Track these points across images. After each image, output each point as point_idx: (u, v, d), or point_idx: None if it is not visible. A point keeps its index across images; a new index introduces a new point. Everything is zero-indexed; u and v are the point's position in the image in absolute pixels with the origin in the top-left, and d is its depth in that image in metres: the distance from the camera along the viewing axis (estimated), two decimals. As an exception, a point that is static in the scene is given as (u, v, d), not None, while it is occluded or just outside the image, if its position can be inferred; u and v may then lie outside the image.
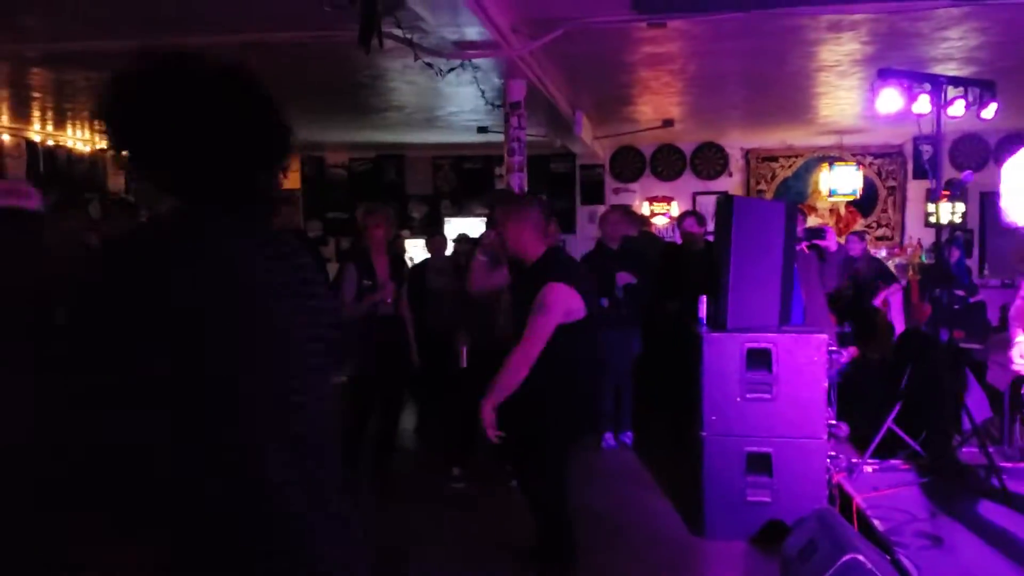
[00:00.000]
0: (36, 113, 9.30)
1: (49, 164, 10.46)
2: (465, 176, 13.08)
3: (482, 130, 10.18)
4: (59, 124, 10.03)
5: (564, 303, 3.70)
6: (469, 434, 5.96)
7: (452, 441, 6.13)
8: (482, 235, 5.30)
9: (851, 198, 11.60)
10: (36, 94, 8.25)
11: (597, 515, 5.19)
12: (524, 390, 3.65)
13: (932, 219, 11.27)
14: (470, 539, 5.06)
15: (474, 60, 5.92)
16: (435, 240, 8.21)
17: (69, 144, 10.78)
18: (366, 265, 5.61)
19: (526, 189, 7.21)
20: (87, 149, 11.08)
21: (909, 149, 11.65)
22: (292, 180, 13.35)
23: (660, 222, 12.16)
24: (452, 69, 5.96)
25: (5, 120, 9.53)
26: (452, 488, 5.94)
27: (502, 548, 4.78)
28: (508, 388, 3.66)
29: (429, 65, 5.78)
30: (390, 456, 6.03)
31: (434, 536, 5.11)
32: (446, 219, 12.71)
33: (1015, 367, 4.90)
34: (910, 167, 11.78)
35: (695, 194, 12.25)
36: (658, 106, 9.24)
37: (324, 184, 13.28)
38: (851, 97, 8.65)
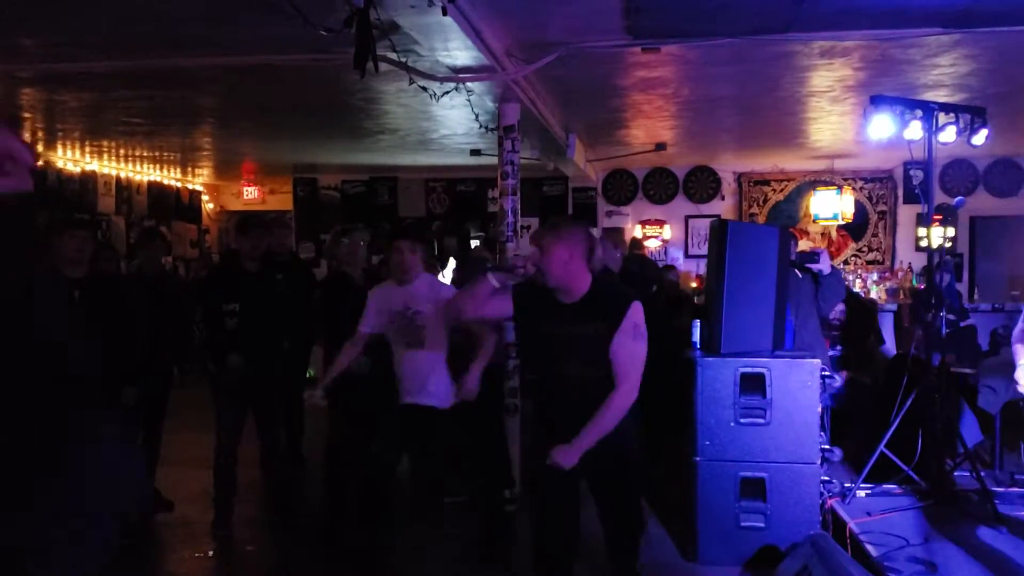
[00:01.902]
0: (26, 133, 9.27)
1: (39, 184, 10.39)
2: (458, 199, 13.10)
3: (475, 153, 10.21)
4: (49, 144, 10.00)
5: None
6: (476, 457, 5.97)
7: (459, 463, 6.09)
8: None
9: (834, 223, 11.64)
10: (27, 114, 8.24)
11: (589, 540, 5.15)
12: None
13: (923, 243, 11.35)
14: (465, 558, 5.04)
15: (468, 83, 5.94)
16: (432, 262, 8.18)
17: (59, 164, 10.75)
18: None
19: (519, 211, 7.22)
20: (77, 170, 11.05)
21: (900, 174, 11.73)
22: (284, 201, 13.36)
23: (653, 245, 12.21)
24: (446, 92, 5.99)
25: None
26: (451, 503, 5.91)
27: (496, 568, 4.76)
28: (607, 430, 3.41)
29: (424, 88, 5.80)
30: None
31: (424, 554, 5.07)
32: (439, 241, 12.70)
33: (1022, 388, 4.96)
34: (900, 192, 11.85)
35: (687, 217, 12.30)
36: (651, 130, 9.28)
37: (317, 206, 13.28)
38: (843, 122, 8.71)
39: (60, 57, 6.01)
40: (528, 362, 3.74)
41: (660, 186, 12.41)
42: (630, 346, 3.39)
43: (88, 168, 11.23)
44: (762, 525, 4.78)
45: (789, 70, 6.59)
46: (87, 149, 10.46)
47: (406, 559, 5.04)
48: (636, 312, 3.41)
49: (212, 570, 5.21)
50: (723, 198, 12.33)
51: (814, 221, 11.69)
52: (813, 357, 4.95)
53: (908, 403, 5.17)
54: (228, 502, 5.56)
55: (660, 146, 10.17)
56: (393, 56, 5.11)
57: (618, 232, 11.79)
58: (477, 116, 7.02)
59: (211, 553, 5.36)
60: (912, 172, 11.00)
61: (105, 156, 11.00)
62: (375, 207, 13.09)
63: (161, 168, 12.37)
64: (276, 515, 5.76)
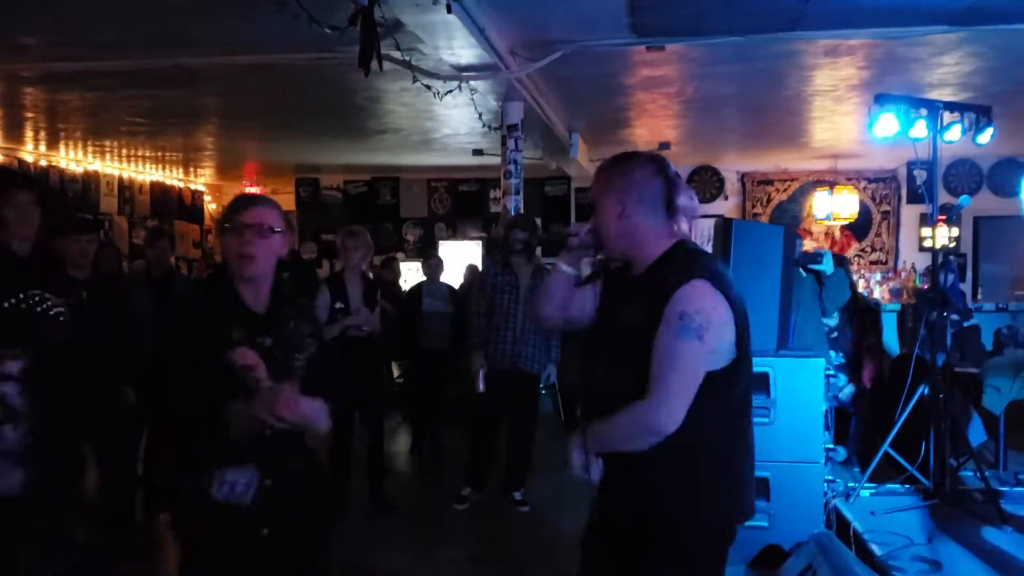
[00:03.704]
0: (29, 133, 9.28)
1: (42, 184, 10.41)
2: (460, 199, 13.09)
3: (478, 152, 10.21)
4: (52, 144, 10.01)
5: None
6: (486, 457, 5.98)
7: (468, 462, 6.09)
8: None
9: (825, 224, 11.60)
10: (30, 114, 8.24)
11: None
12: None
13: (927, 243, 11.32)
14: (470, 559, 5.04)
15: (472, 82, 5.94)
16: (431, 263, 8.19)
17: (62, 164, 10.75)
18: (339, 288, 5.63)
19: (522, 211, 7.22)
20: (80, 170, 11.06)
21: (903, 174, 11.70)
22: (286, 202, 13.35)
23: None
24: (450, 91, 5.98)
25: (-1, 139, 9.52)
26: (456, 507, 5.91)
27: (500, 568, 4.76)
28: (614, 446, 2.43)
29: (427, 87, 5.80)
30: (383, 476, 6.01)
31: (430, 554, 5.07)
32: (440, 242, 12.70)
33: None
34: (904, 192, 11.83)
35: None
36: (654, 129, 9.27)
37: (319, 206, 13.28)
38: (847, 122, 8.69)
39: (63, 56, 6.02)
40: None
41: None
42: (666, 343, 2.27)
43: (91, 168, 11.23)
44: (766, 524, 4.74)
45: (794, 69, 6.58)
46: (89, 149, 10.47)
47: (412, 558, 5.03)
48: (686, 297, 2.28)
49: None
50: (726, 198, 12.31)
51: (817, 221, 11.66)
52: (818, 356, 4.93)
53: (912, 403, 5.16)
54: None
55: (664, 145, 10.14)
56: (397, 55, 5.11)
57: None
58: (480, 115, 7.02)
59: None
60: (916, 172, 10.99)
61: (108, 156, 11.01)
62: (377, 207, 13.09)
63: (163, 168, 12.38)
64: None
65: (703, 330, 2.26)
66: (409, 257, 11.91)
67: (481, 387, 5.90)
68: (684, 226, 2.45)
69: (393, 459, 7.10)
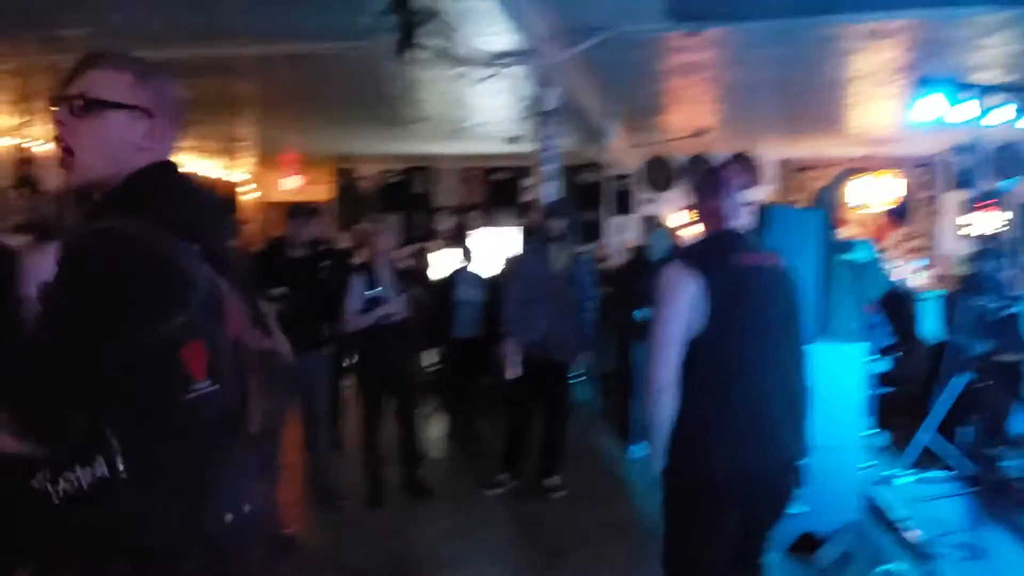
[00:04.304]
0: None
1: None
2: (493, 187, 13.10)
3: (512, 140, 10.19)
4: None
5: None
6: (521, 443, 6.01)
7: (504, 448, 6.12)
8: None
9: (877, 209, 11.49)
10: (74, 105, 8.35)
11: (625, 526, 5.17)
12: None
13: (968, 230, 11.15)
14: (503, 543, 5.07)
15: (507, 69, 5.94)
16: (467, 251, 8.20)
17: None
18: (370, 276, 5.67)
19: (558, 199, 7.22)
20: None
21: (944, 159, 11.53)
22: (326, 191, 13.44)
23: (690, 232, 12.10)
24: (486, 78, 5.99)
25: (38, 131, 9.66)
26: (490, 492, 5.94)
27: (533, 552, 4.78)
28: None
29: (463, 75, 5.81)
30: (418, 463, 6.05)
31: (464, 538, 5.11)
32: (474, 230, 12.72)
33: None
34: (945, 177, 11.66)
35: (727, 204, 12.17)
36: (691, 115, 9.22)
37: (354, 196, 13.36)
38: (887, 106, 8.58)
39: (102, 48, 6.09)
40: None
41: (699, 173, 12.30)
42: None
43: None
44: (803, 511, 4.74)
45: (833, 53, 6.51)
46: (132, 140, 10.59)
47: (446, 541, 5.07)
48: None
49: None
50: (764, 184, 12.21)
51: (856, 208, 11.55)
52: (858, 342, 4.90)
53: (954, 391, 5.11)
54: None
55: (700, 132, 10.09)
56: (433, 42, 5.12)
57: (656, 219, 11.72)
58: (517, 102, 7.02)
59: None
60: (958, 157, 10.81)
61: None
62: (411, 196, 13.13)
63: (205, 158, 12.51)
64: (315, 497, 5.82)
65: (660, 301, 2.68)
66: (443, 246, 11.95)
67: (514, 373, 5.92)
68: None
69: (428, 446, 7.14)
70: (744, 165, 3.28)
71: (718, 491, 2.64)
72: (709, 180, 2.93)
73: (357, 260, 6.91)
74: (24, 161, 9.64)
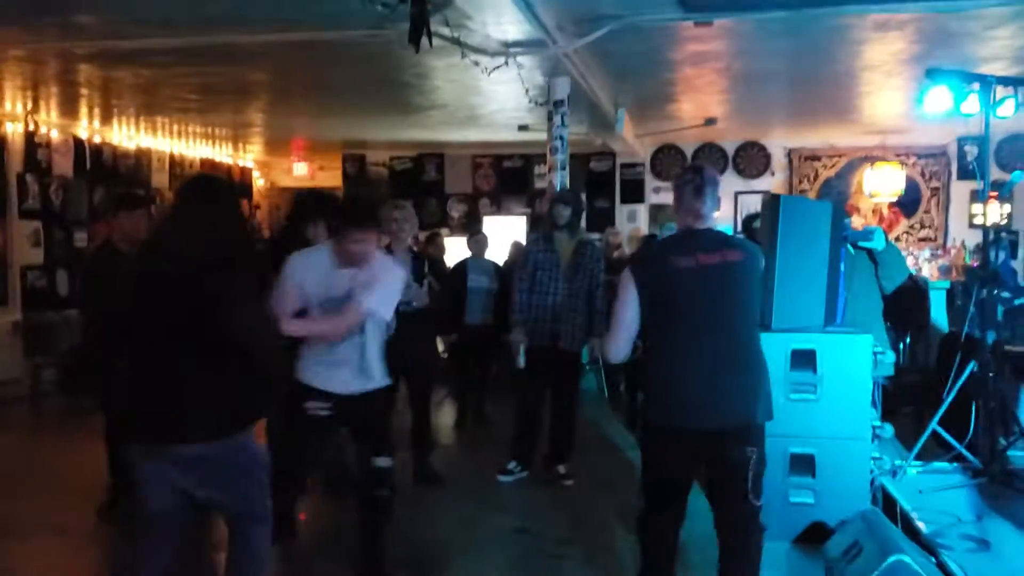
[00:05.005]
0: (84, 110, 9.47)
1: (95, 160, 10.63)
2: (504, 174, 13.11)
3: (523, 128, 10.21)
4: (106, 121, 10.20)
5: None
6: (531, 431, 6.04)
7: (514, 435, 6.15)
8: None
9: (873, 201, 11.48)
10: (84, 91, 8.40)
11: (634, 514, 5.19)
12: None
13: (977, 220, 11.14)
14: (513, 530, 5.11)
15: (519, 57, 5.95)
16: (476, 239, 8.24)
17: (115, 141, 10.95)
18: None
19: (567, 187, 7.24)
20: (132, 146, 11.26)
21: (953, 150, 11.51)
22: (333, 177, 13.47)
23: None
24: (498, 67, 6.00)
25: (54, 116, 9.71)
26: (500, 480, 5.98)
27: (543, 539, 4.83)
28: None
29: (475, 63, 5.82)
30: (430, 450, 6.10)
31: (474, 525, 5.15)
32: (485, 218, 12.75)
33: None
34: (954, 168, 11.64)
35: (737, 193, 12.18)
36: (701, 104, 9.22)
37: (365, 182, 13.37)
38: (896, 97, 8.57)
39: (117, 35, 6.13)
40: None
41: (709, 161, 12.26)
42: None
43: (143, 144, 11.43)
44: (811, 501, 4.77)
45: (843, 44, 6.51)
46: (142, 125, 10.65)
47: (457, 528, 5.12)
48: None
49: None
50: (773, 174, 12.21)
51: (865, 197, 11.54)
52: (865, 333, 4.91)
53: (961, 381, 5.12)
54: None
55: (710, 121, 10.09)
56: (446, 31, 5.14)
57: (666, 209, 11.73)
58: (527, 91, 7.03)
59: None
60: (967, 147, 10.79)
61: (159, 132, 11.19)
62: (422, 183, 13.15)
63: (213, 144, 12.55)
64: (327, 485, 5.87)
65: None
66: (454, 233, 11.97)
67: (521, 363, 5.95)
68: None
69: (439, 433, 7.19)
70: (709, 173, 3.32)
71: (653, 432, 3.54)
72: (675, 184, 3.59)
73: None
74: (35, 146, 9.69)
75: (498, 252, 8.97)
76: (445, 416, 8.23)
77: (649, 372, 3.58)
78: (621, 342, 3.52)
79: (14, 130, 9.37)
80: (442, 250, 9.49)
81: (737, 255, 3.45)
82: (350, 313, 3.84)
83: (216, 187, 3.32)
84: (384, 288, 3.95)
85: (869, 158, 11.64)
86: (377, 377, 4.15)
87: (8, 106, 9.04)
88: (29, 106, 9.06)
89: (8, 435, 7.64)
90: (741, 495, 3.43)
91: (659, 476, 3.59)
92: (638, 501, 3.68)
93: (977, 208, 11.39)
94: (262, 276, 4.02)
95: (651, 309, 3.44)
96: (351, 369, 4.04)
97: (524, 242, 8.90)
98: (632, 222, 12.34)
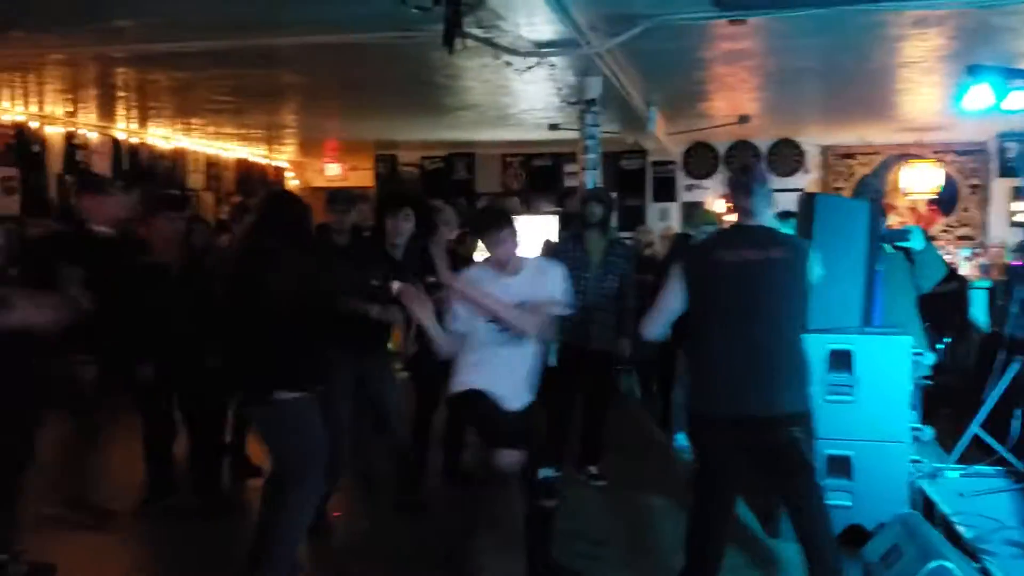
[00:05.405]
0: (121, 112, 9.59)
1: (132, 161, 10.77)
2: (534, 174, 13.10)
3: (553, 127, 10.19)
4: (143, 123, 10.32)
5: None
6: (562, 431, 6.00)
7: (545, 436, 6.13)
8: None
9: (910, 199, 11.34)
10: (121, 93, 8.51)
11: (668, 515, 5.17)
12: None
13: (1018, 218, 10.98)
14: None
15: (551, 57, 5.94)
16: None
17: (151, 142, 11.08)
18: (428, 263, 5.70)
19: (599, 186, 7.21)
20: (168, 147, 11.39)
21: (994, 146, 11.33)
22: (365, 178, 13.52)
23: (733, 219, 12.01)
24: (530, 67, 5.98)
25: (93, 118, 9.84)
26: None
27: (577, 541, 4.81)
28: None
29: (508, 64, 5.81)
30: (461, 449, 6.09)
31: (502, 524, 5.13)
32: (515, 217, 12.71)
33: None
34: (994, 165, 11.45)
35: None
36: (734, 102, 9.14)
37: (396, 182, 13.42)
38: (934, 94, 8.45)
39: (154, 38, 6.20)
40: None
41: (742, 159, 12.20)
42: None
43: (179, 146, 11.56)
44: (848, 504, 4.71)
45: (879, 40, 6.41)
46: (178, 127, 10.77)
47: (485, 527, 5.11)
48: None
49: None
50: (807, 171, 12.09)
51: (901, 195, 11.40)
52: (905, 334, 4.84)
53: (1004, 383, 5.03)
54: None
55: (743, 119, 10.00)
56: (478, 32, 5.13)
57: (699, 206, 11.65)
58: (559, 90, 7.01)
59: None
60: (1007, 144, 10.62)
61: (194, 134, 11.31)
62: (452, 183, 13.17)
63: (247, 145, 12.66)
64: (360, 483, 5.88)
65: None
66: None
67: (552, 361, 5.93)
68: None
69: (469, 431, 7.18)
70: (759, 172, 3.49)
71: (694, 420, 3.77)
72: (731, 182, 3.91)
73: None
74: (74, 148, 9.85)
75: (527, 251, 8.94)
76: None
77: (691, 362, 3.84)
78: (657, 323, 3.76)
79: (54, 132, 9.51)
80: (472, 249, 9.47)
81: (781, 252, 3.63)
82: (549, 306, 4.23)
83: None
84: (557, 281, 4.37)
85: (906, 155, 11.49)
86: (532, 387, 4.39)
87: (48, 108, 9.18)
88: (71, 108, 9.21)
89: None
90: (797, 466, 3.62)
91: (704, 464, 3.76)
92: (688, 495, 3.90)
93: (1018, 206, 11.22)
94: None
95: (694, 300, 3.63)
96: (522, 381, 4.31)
97: (555, 241, 8.88)
98: (664, 220, 12.26)
